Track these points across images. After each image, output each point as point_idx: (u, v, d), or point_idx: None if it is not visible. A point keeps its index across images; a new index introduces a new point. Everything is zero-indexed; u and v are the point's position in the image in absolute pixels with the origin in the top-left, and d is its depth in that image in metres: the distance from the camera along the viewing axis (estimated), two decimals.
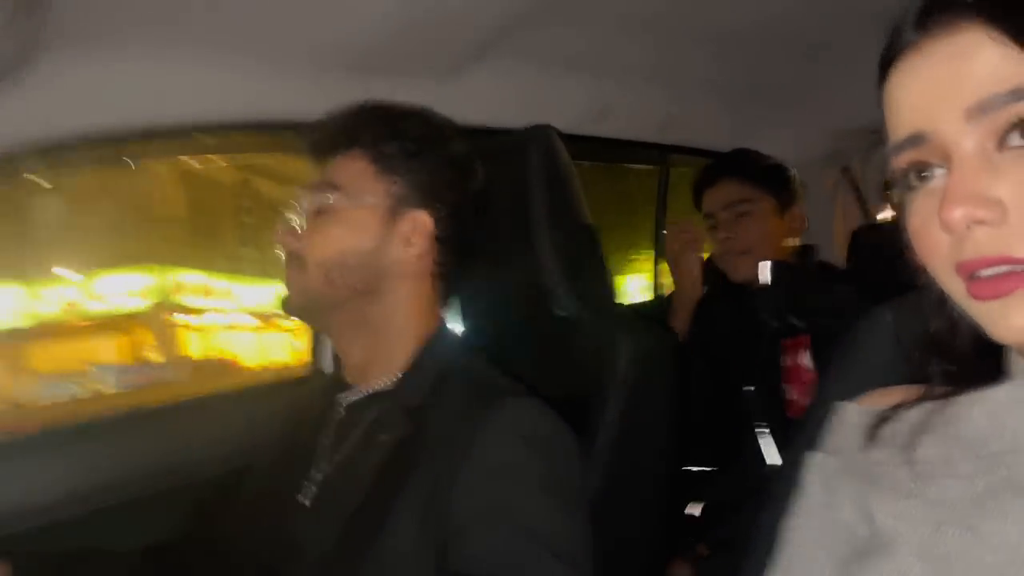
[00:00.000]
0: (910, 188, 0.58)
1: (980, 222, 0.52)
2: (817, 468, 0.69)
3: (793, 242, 1.86)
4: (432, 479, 0.90)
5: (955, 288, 0.56)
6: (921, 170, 0.57)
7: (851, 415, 0.69)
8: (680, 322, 1.88)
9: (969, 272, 0.54)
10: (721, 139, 2.17)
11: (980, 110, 0.53)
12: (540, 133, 1.19)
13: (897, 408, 0.66)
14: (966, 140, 0.53)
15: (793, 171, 1.91)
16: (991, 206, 0.52)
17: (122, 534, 1.25)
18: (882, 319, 0.82)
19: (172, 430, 1.50)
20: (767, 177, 1.83)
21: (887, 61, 0.59)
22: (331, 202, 1.02)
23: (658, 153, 2.17)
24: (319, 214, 1.03)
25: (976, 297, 0.54)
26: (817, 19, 1.71)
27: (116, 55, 1.16)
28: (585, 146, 1.86)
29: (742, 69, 1.92)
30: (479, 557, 0.85)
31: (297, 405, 1.19)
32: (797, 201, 1.87)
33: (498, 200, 1.21)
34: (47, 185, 2.21)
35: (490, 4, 1.35)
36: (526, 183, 1.17)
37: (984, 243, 0.53)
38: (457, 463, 0.89)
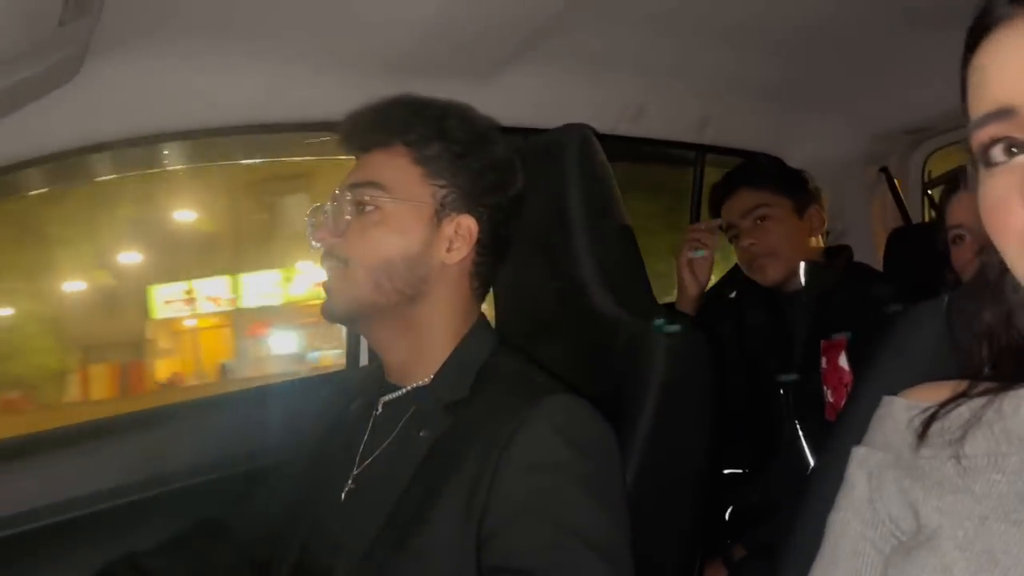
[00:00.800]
0: (990, 164, 0.57)
1: None
2: (863, 462, 0.68)
3: (820, 242, 1.86)
4: (471, 475, 0.90)
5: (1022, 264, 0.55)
6: (1011, 144, 0.55)
7: (898, 410, 0.68)
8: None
9: None
10: (757, 139, 2.16)
11: None
12: (577, 132, 1.20)
13: (946, 405, 0.65)
14: None
15: (806, 173, 1.94)
16: None
17: (164, 523, 1.28)
18: (929, 314, 0.81)
19: (214, 423, 1.53)
20: (781, 181, 1.85)
21: (976, 35, 0.58)
22: (376, 202, 1.01)
23: (694, 154, 2.16)
24: (363, 214, 1.01)
25: None
26: (857, 19, 1.70)
27: (163, 58, 1.20)
28: (621, 146, 1.87)
29: (780, 69, 1.91)
30: (517, 552, 0.86)
31: (335, 400, 1.19)
32: (815, 201, 1.88)
33: (535, 198, 1.22)
34: None
35: (527, 5, 1.36)
36: (563, 181, 1.17)
37: None
38: (496, 459, 0.89)
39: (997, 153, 0.56)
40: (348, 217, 1.01)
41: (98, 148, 1.19)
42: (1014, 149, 0.55)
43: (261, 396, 1.68)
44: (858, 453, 0.69)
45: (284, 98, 1.34)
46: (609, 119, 1.74)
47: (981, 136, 0.56)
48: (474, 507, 0.88)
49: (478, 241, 1.04)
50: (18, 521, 1.24)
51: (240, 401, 1.64)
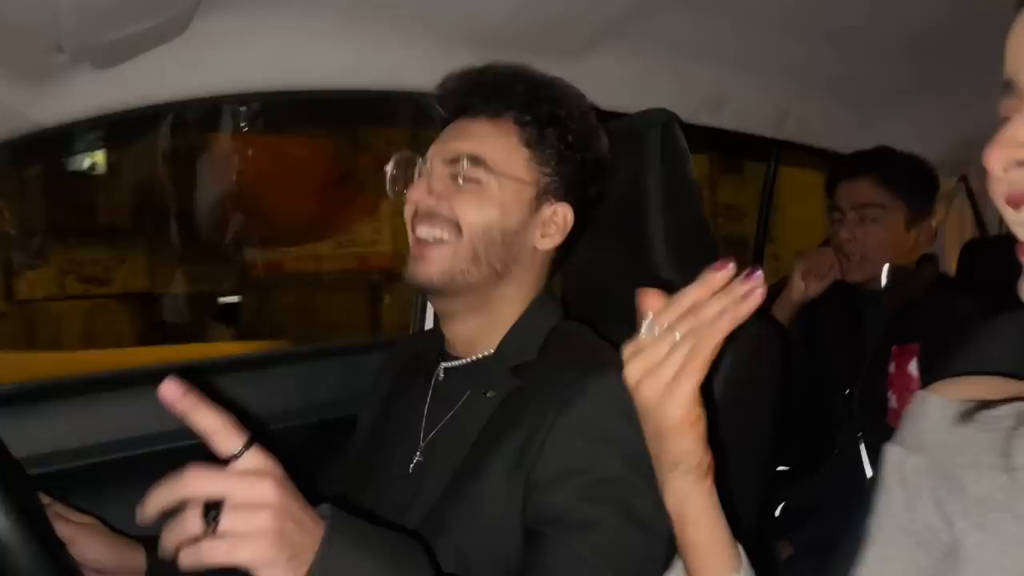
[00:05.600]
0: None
1: (1021, 163, 0.56)
2: (897, 465, 0.66)
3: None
4: (528, 429, 0.91)
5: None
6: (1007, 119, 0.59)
7: (933, 407, 0.66)
8: (783, 316, 1.84)
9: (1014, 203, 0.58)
10: (834, 137, 2.13)
11: None
12: (661, 116, 1.20)
13: (987, 404, 0.63)
14: None
15: (938, 181, 1.83)
16: None
17: None
18: (1009, 326, 0.80)
19: (275, 378, 1.58)
20: (907, 184, 1.75)
21: (1017, 7, 0.60)
22: (477, 175, 0.99)
23: (776, 150, 2.13)
24: (467, 182, 0.99)
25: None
26: (942, 20, 1.66)
27: (265, 19, 1.23)
28: (699, 135, 1.86)
29: (860, 67, 1.88)
30: (556, 509, 0.87)
31: (395, 364, 1.21)
32: (930, 216, 1.79)
33: (613, 180, 1.23)
34: None
35: None
36: (644, 164, 1.18)
37: (1019, 181, 0.57)
38: (553, 419, 0.90)
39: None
40: (452, 180, 0.99)
41: (201, 101, 1.24)
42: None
43: (324, 354, 1.72)
44: (892, 454, 0.67)
45: (374, 64, 1.36)
46: (689, 108, 1.73)
47: (1001, 109, 0.60)
48: (525, 460, 0.90)
49: (570, 230, 1.05)
50: (89, 453, 1.30)
51: (305, 357, 1.69)
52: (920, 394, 0.68)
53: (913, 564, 0.63)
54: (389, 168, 1.04)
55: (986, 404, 0.63)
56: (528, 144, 1.01)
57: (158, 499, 0.65)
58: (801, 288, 1.80)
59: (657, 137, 1.18)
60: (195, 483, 0.65)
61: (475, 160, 0.99)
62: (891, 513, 0.66)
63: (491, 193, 0.99)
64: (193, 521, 0.65)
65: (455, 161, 1.00)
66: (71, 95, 1.13)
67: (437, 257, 0.99)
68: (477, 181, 0.99)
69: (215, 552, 0.64)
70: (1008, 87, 0.59)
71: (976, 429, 0.62)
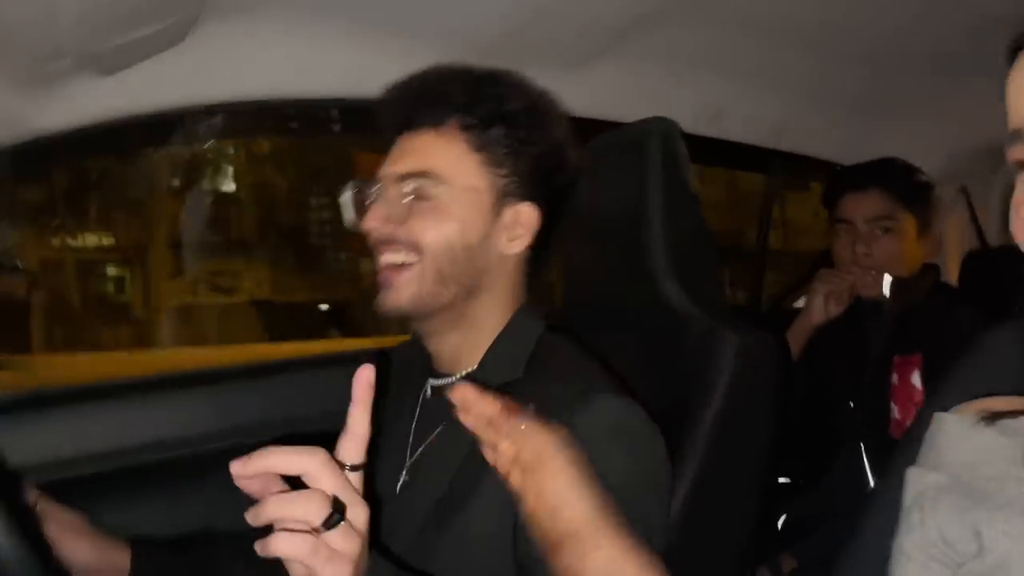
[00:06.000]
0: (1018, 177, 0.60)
1: None
2: (916, 484, 0.67)
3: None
4: None
5: None
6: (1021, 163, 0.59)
7: (951, 426, 0.67)
8: (795, 343, 1.81)
9: None
10: (833, 149, 2.13)
11: None
12: (661, 125, 1.20)
13: (1005, 416, 0.64)
14: None
15: (937, 190, 1.83)
16: None
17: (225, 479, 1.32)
18: (1009, 336, 0.80)
19: (272, 385, 1.58)
20: (914, 194, 1.75)
21: (1011, 54, 0.60)
22: (430, 192, 0.95)
23: (779, 160, 2.13)
24: (420, 200, 0.95)
25: None
26: (942, 32, 1.66)
27: (267, 28, 1.23)
28: (699, 146, 1.85)
29: (860, 79, 1.88)
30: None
31: (393, 372, 1.18)
32: (936, 223, 1.80)
33: (614, 189, 1.23)
34: None
35: (621, 0, 1.37)
36: (643, 173, 1.17)
37: None
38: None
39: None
40: (404, 201, 0.95)
41: (200, 109, 1.24)
42: None
43: (324, 363, 1.71)
44: (912, 475, 0.68)
45: (376, 75, 1.36)
46: (689, 118, 1.73)
47: (1011, 154, 0.60)
48: (513, 494, 0.89)
49: (537, 229, 1.00)
50: (82, 464, 1.30)
51: (305, 365, 1.69)
52: (938, 415, 0.68)
53: None
54: (343, 199, 1.01)
55: (1003, 415, 0.64)
56: (477, 148, 0.97)
57: (281, 462, 0.65)
58: (822, 311, 1.76)
59: (657, 146, 1.18)
60: (328, 475, 0.65)
61: (424, 176, 0.96)
62: (908, 528, 0.66)
63: (447, 207, 0.96)
64: (319, 512, 0.64)
65: (405, 180, 0.96)
66: (73, 101, 1.13)
67: (403, 283, 0.96)
68: (430, 198, 0.95)
69: (313, 553, 0.63)
70: (1017, 136, 0.58)
71: (995, 441, 0.63)
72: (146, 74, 1.17)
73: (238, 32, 1.20)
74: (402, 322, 1.07)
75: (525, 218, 0.99)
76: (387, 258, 0.97)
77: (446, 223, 0.95)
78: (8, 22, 0.93)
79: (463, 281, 0.97)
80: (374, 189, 0.98)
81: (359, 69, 1.35)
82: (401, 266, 0.96)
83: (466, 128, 0.97)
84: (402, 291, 0.96)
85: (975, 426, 0.64)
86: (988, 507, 0.60)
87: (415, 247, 0.95)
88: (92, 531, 1.04)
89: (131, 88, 1.17)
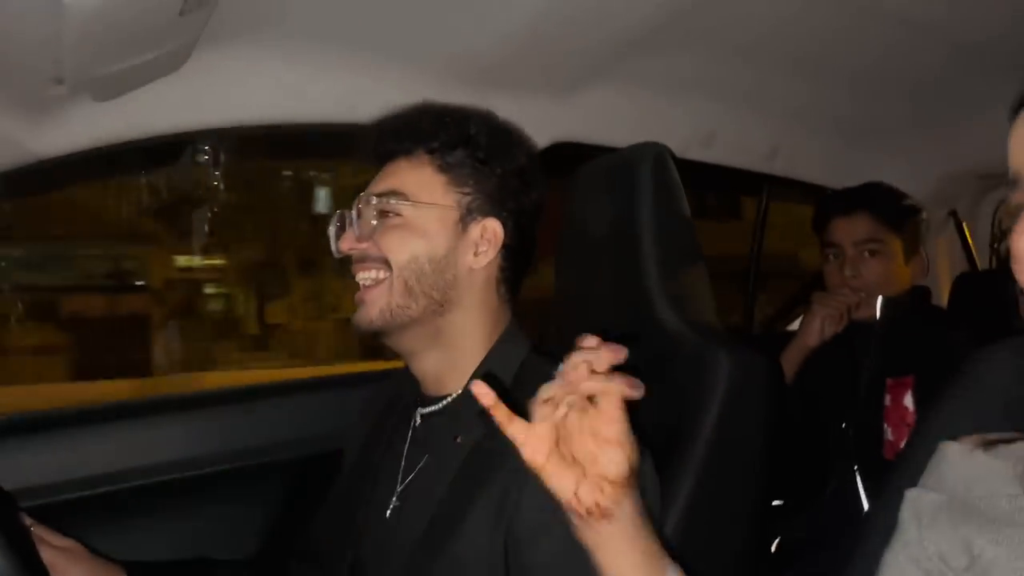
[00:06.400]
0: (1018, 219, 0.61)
1: None
2: (915, 503, 0.68)
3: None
4: (503, 486, 0.90)
5: None
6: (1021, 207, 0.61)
7: (953, 453, 0.68)
8: (790, 365, 1.83)
9: None
10: (825, 173, 2.15)
11: None
12: (652, 149, 1.22)
13: (1003, 441, 0.65)
14: None
15: (927, 213, 1.86)
16: None
17: (230, 495, 1.32)
18: (999, 359, 0.81)
19: (263, 409, 1.57)
20: (900, 218, 1.78)
21: (1016, 106, 0.63)
22: (398, 209, 1.01)
23: (768, 184, 2.15)
24: (387, 218, 1.01)
25: None
26: (932, 59, 1.69)
27: (264, 54, 1.25)
28: (690, 170, 1.87)
29: (851, 104, 1.91)
30: (537, 567, 0.87)
31: (378, 400, 1.20)
32: (922, 245, 1.82)
33: (605, 212, 1.24)
34: None
35: (609, 26, 1.39)
36: (635, 196, 1.19)
37: None
38: (525, 476, 0.85)
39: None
40: (374, 222, 1.01)
41: (196, 134, 1.25)
42: None
43: (315, 387, 1.71)
44: (911, 495, 0.69)
45: (371, 101, 1.38)
46: (681, 142, 1.75)
47: (1013, 198, 0.63)
48: (503, 516, 0.89)
49: (504, 245, 1.04)
50: (73, 487, 1.30)
51: (296, 388, 1.68)
52: (943, 444, 0.70)
53: None
54: (329, 231, 1.07)
55: (1002, 441, 0.66)
56: (442, 170, 1.03)
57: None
58: (818, 334, 1.77)
59: (649, 170, 1.20)
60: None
61: (392, 194, 1.02)
62: (904, 543, 0.67)
63: (413, 224, 1.01)
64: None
65: (375, 201, 1.02)
66: (70, 127, 1.14)
67: (373, 298, 1.01)
68: (398, 214, 1.01)
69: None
70: (1016, 183, 0.62)
71: (990, 464, 0.65)
72: (144, 100, 1.18)
73: (233, 59, 1.22)
74: None
75: (490, 233, 1.03)
76: (361, 276, 1.02)
77: (412, 238, 1.00)
78: (6, 49, 0.94)
79: (431, 295, 1.00)
80: (349, 216, 1.05)
81: (354, 96, 1.37)
82: (374, 282, 1.01)
83: (431, 152, 1.04)
84: (372, 306, 1.01)
85: (973, 452, 0.66)
86: (979, 521, 0.62)
87: (385, 262, 1.00)
88: (88, 556, 1.05)
89: (128, 113, 1.18)
